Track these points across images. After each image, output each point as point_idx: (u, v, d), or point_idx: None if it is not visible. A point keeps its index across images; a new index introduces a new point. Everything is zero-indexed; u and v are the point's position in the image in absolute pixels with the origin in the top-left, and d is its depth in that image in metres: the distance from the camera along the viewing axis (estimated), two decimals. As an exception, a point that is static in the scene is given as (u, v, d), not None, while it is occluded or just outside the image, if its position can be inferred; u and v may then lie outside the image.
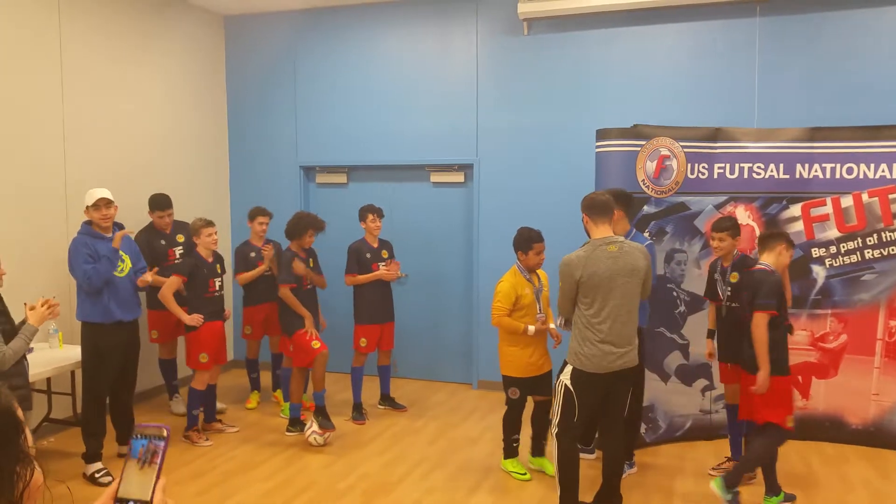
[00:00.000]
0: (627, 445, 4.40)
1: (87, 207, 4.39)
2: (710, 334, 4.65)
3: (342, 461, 4.74)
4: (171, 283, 4.89)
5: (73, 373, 4.97)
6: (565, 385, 3.68)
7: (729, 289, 4.38)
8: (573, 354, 3.68)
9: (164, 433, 1.16)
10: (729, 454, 4.58)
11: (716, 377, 5.03)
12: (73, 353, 4.77)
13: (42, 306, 3.70)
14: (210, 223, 5.03)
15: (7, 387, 1.08)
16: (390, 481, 4.43)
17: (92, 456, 4.44)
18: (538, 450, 4.55)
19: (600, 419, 3.88)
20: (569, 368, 3.70)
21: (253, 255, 5.71)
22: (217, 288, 5.08)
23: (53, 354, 4.77)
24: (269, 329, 5.83)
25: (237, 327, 6.28)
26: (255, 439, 5.14)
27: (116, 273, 4.43)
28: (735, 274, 4.35)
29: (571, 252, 3.68)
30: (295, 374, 5.25)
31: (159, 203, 5.50)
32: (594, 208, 3.66)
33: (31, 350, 3.86)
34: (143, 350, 4.84)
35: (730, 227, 4.39)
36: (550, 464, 4.25)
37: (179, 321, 5.48)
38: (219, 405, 5.56)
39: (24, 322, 3.75)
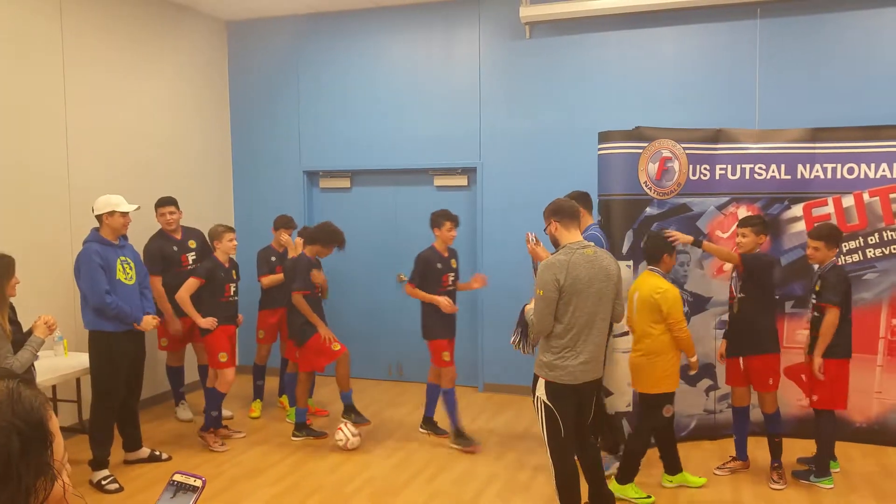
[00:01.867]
0: (615, 440, 4.45)
1: (108, 214, 4.40)
2: (726, 335, 4.64)
3: (349, 465, 4.76)
4: (189, 286, 4.94)
5: (78, 380, 4.99)
6: (543, 402, 3.54)
7: (741, 282, 4.39)
8: (544, 368, 3.53)
9: (200, 484, 1.21)
10: (734, 454, 4.60)
11: (720, 377, 5.05)
12: (79, 360, 4.79)
13: (44, 324, 3.74)
14: (231, 229, 5.11)
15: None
16: (397, 485, 4.44)
17: (99, 463, 4.45)
18: (673, 468, 4.35)
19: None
20: (542, 383, 3.55)
21: (273, 259, 5.76)
22: (232, 293, 5.12)
23: (59, 362, 4.78)
24: (282, 333, 5.85)
25: (249, 332, 6.26)
26: (261, 444, 5.16)
27: (125, 281, 4.45)
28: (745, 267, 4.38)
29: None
30: (302, 379, 5.24)
31: (163, 200, 5.52)
32: (564, 214, 3.59)
33: (37, 358, 3.89)
34: (148, 357, 4.86)
35: (754, 223, 4.38)
36: (692, 476, 4.31)
37: (191, 328, 5.52)
38: (226, 412, 5.57)
39: (31, 332, 3.78)
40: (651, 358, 4.10)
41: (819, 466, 4.33)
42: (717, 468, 4.57)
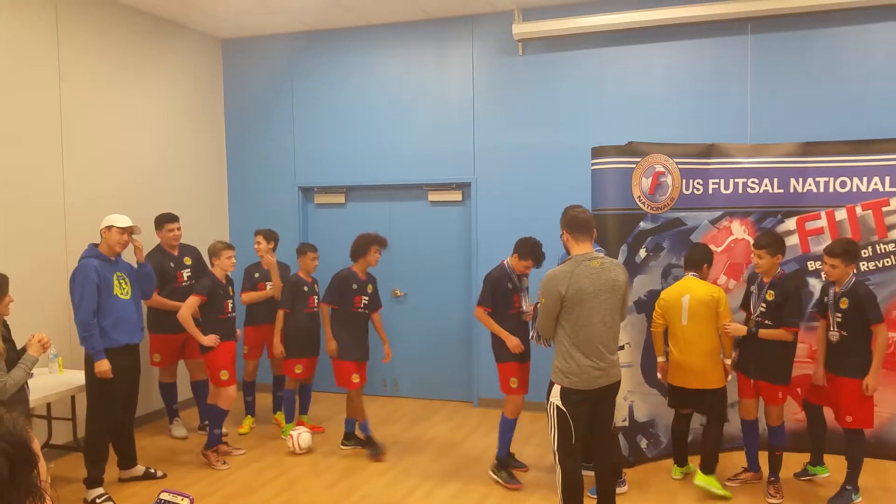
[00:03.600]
0: (615, 465, 4.40)
1: (106, 229, 4.40)
2: (739, 347, 4.60)
3: (344, 482, 4.73)
4: (191, 304, 4.92)
5: (73, 398, 4.96)
6: (557, 406, 3.62)
7: (763, 305, 4.36)
8: (559, 373, 3.62)
9: (187, 503, 1.20)
10: (745, 465, 4.64)
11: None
12: (74, 377, 4.77)
13: (37, 342, 3.72)
14: (231, 246, 5.09)
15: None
16: (392, 501, 4.42)
17: (94, 481, 4.42)
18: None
19: (589, 436, 3.80)
20: (556, 389, 3.64)
21: (258, 275, 5.74)
22: (230, 309, 5.11)
23: (54, 379, 4.76)
24: (269, 349, 5.83)
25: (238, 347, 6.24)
26: (256, 462, 5.13)
27: (122, 296, 4.44)
28: (772, 292, 4.33)
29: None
30: (352, 395, 5.23)
31: (169, 217, 5.54)
32: (576, 226, 3.67)
33: (30, 376, 3.87)
34: (142, 373, 4.83)
35: (769, 244, 4.34)
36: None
37: (183, 344, 5.51)
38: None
39: (24, 350, 3.76)
40: (716, 357, 4.40)
41: (852, 482, 4.27)
42: (728, 479, 4.58)
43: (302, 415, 5.81)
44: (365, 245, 5.19)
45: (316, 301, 5.56)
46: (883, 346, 4.13)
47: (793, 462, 4.74)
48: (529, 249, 4.65)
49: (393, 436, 5.66)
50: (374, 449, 5.17)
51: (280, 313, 5.47)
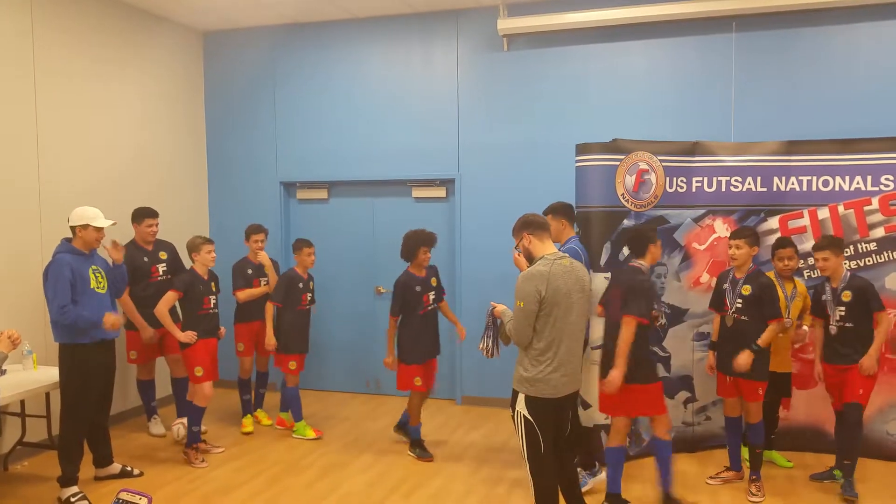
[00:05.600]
0: (592, 456, 4.41)
1: (81, 227, 4.31)
2: (713, 346, 4.65)
3: (324, 481, 4.69)
4: (168, 299, 4.89)
5: (48, 394, 4.88)
6: (524, 416, 3.46)
7: (739, 301, 4.36)
8: (525, 382, 3.46)
9: (146, 502, 1.18)
10: (727, 464, 4.65)
11: (698, 390, 5.07)
12: (49, 374, 4.69)
13: (7, 338, 3.63)
14: (209, 241, 5.07)
15: None
16: (373, 500, 4.38)
17: (68, 480, 4.35)
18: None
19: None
20: (522, 397, 3.47)
21: (250, 271, 5.66)
22: (212, 305, 5.05)
23: (28, 376, 4.67)
24: (260, 348, 5.76)
25: (229, 346, 6.15)
26: (236, 460, 5.07)
27: (98, 289, 4.37)
28: (748, 287, 4.34)
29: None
30: (413, 398, 5.15)
31: (150, 212, 5.44)
32: (536, 226, 3.59)
33: (3, 372, 3.78)
34: (119, 371, 4.76)
35: (747, 235, 4.39)
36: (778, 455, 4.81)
37: (161, 342, 5.43)
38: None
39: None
40: (783, 343, 4.66)
41: (849, 474, 4.30)
42: (710, 478, 4.59)
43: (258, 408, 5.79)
44: (413, 248, 5.05)
45: (309, 298, 5.50)
46: (885, 331, 4.34)
47: (769, 458, 4.75)
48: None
49: (374, 434, 5.62)
50: (422, 451, 5.13)
51: (271, 306, 5.40)
